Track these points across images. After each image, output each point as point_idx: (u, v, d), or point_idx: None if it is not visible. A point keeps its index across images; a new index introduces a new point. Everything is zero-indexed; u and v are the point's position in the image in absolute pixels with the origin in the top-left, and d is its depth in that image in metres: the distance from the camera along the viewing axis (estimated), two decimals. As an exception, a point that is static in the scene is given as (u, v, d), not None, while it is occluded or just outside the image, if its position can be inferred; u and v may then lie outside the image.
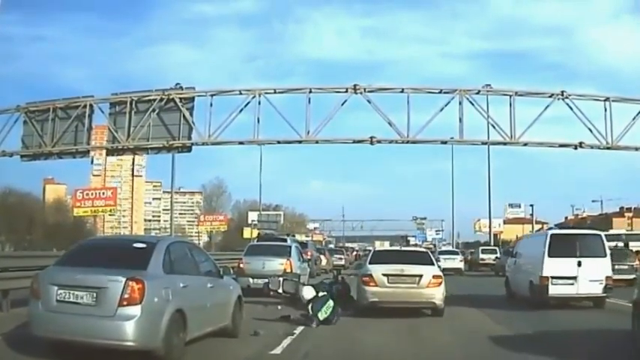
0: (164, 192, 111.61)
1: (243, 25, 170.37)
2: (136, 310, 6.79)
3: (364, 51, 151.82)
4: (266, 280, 14.68)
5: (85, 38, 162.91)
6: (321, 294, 12.43)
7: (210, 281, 8.90)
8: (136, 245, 7.90)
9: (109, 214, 40.91)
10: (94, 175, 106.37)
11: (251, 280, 17.23)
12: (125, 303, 6.77)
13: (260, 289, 14.96)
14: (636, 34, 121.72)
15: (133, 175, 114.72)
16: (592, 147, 21.40)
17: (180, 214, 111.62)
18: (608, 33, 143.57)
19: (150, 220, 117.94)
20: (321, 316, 11.68)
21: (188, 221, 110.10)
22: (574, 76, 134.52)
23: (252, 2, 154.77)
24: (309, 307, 11.83)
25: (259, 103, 21.82)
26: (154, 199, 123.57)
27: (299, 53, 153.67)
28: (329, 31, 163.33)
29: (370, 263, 13.91)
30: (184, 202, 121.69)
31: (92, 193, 35.70)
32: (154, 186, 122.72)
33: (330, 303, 12.07)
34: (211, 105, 22.22)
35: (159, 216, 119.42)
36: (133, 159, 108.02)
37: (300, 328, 10.93)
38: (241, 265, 18.32)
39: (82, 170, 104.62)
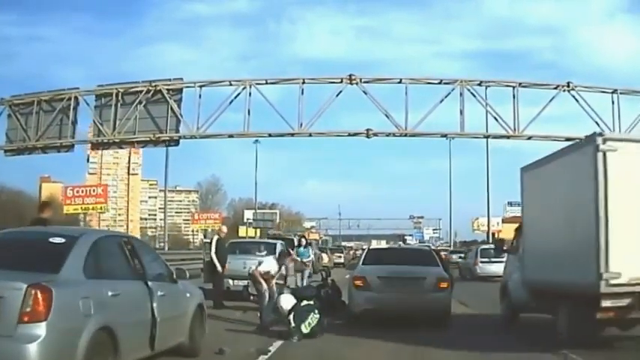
0: (160, 190, 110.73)
1: (237, 24, 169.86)
2: (39, 329, 5.00)
3: (359, 50, 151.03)
4: (245, 283, 13.25)
5: (79, 38, 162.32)
6: (303, 303, 10.34)
7: (158, 287, 6.95)
8: (52, 240, 6.07)
9: (100, 212, 39.88)
10: (89, 174, 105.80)
11: (231, 281, 15.24)
12: (26, 319, 5.00)
13: (241, 292, 13.72)
14: (633, 34, 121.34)
15: (128, 174, 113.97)
16: (598, 141, 20.70)
17: (176, 212, 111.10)
18: (605, 32, 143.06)
19: (146, 219, 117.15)
20: (305, 329, 9.84)
21: (184, 219, 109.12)
22: (572, 75, 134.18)
23: (246, 2, 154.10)
24: (291, 317, 9.96)
25: (250, 94, 21.06)
26: (149, 197, 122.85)
27: (293, 53, 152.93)
28: (323, 30, 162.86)
29: (364, 264, 11.97)
30: (180, 201, 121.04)
31: (82, 191, 35.03)
32: (150, 184, 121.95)
33: (316, 314, 10.10)
34: (200, 97, 21.50)
35: (155, 214, 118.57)
36: (129, 157, 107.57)
37: (277, 344, 9.15)
38: None
39: (79, 168, 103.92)
